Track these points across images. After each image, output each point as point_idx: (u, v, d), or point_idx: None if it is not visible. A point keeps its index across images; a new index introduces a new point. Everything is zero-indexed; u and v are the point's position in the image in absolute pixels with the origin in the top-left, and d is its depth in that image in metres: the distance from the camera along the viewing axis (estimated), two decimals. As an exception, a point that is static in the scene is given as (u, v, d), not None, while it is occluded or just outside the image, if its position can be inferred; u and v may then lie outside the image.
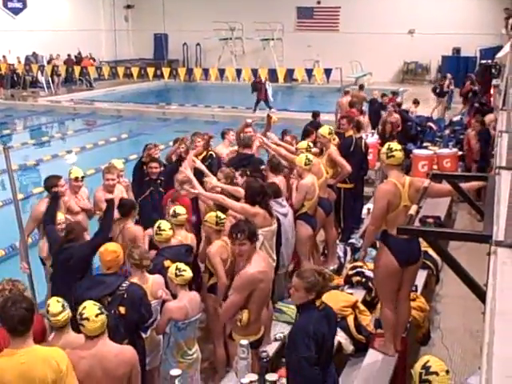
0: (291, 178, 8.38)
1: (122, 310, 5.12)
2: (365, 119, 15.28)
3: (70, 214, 7.43)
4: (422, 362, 3.94)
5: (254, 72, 25.40)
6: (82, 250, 6.06)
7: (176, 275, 5.44)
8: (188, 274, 5.48)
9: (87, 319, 4.26)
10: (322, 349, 4.49)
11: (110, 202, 6.69)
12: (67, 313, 4.54)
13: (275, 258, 6.57)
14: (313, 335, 4.41)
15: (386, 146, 6.15)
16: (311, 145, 8.65)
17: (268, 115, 10.52)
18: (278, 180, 7.72)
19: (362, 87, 20.46)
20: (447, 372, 3.90)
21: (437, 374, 3.84)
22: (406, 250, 5.91)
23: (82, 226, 6.69)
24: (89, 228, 7.82)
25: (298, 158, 7.95)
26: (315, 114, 13.87)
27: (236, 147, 9.74)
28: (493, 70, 20.24)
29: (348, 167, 9.05)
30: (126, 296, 5.18)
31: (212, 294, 6.36)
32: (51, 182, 7.29)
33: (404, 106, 18.73)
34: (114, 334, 4.86)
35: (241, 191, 6.97)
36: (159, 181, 8.16)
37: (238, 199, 6.84)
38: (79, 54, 34.19)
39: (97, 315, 4.28)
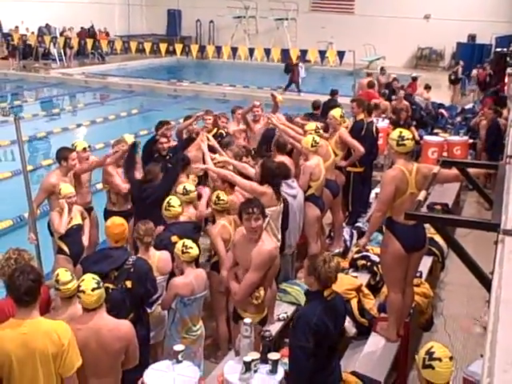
0: (300, 160, 8.37)
1: (129, 284, 5.14)
2: (385, 102, 15.15)
3: (78, 186, 7.46)
4: (426, 347, 3.98)
5: (267, 52, 25.28)
6: (162, 187, 6.96)
7: (182, 252, 5.47)
8: (194, 251, 5.51)
9: (83, 292, 4.31)
10: (323, 341, 4.50)
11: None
12: (76, 282, 4.57)
13: (280, 238, 6.58)
14: (313, 326, 4.43)
15: (397, 133, 6.02)
16: (319, 126, 8.62)
17: (272, 95, 10.43)
18: (285, 160, 7.70)
19: (383, 70, 20.35)
20: (451, 358, 3.94)
21: (440, 360, 3.88)
22: (411, 236, 5.91)
23: (158, 167, 7.33)
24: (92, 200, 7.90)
25: (305, 139, 7.93)
26: (333, 93, 13.84)
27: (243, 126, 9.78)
28: (508, 59, 20.09)
29: (361, 148, 9.02)
30: (132, 270, 5.20)
31: (215, 272, 6.39)
32: (63, 154, 7.30)
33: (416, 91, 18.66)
34: (120, 307, 4.92)
35: (248, 168, 6.98)
36: (168, 157, 8.16)
37: (245, 176, 6.84)
38: (92, 27, 34.02)
39: (93, 289, 4.32)
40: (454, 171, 6.09)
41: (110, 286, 5.06)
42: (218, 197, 6.40)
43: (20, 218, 9.92)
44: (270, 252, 5.36)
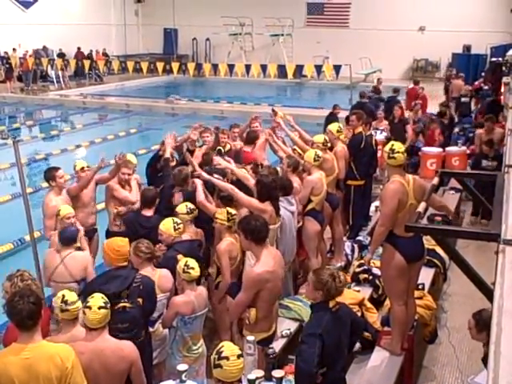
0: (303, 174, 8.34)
1: (140, 301, 5.15)
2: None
3: (81, 207, 7.47)
4: (217, 347, 4.02)
5: (264, 68, 25.40)
6: None
7: (183, 271, 5.43)
8: (195, 272, 5.46)
9: (89, 308, 4.29)
10: (329, 350, 4.47)
11: None
12: (80, 303, 4.55)
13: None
14: (319, 336, 4.42)
15: (389, 145, 6.05)
16: (327, 139, 8.58)
17: (273, 110, 10.39)
18: (296, 181, 7.69)
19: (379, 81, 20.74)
20: (238, 357, 3.95)
21: (227, 358, 3.90)
22: (411, 247, 5.90)
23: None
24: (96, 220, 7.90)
25: (308, 153, 7.92)
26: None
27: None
28: (503, 68, 20.13)
29: (343, 174, 9.03)
30: (142, 287, 5.21)
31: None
32: (49, 175, 7.38)
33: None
34: (139, 325, 4.99)
35: (250, 179, 6.96)
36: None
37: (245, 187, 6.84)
38: (79, 48, 34.03)
39: (100, 307, 4.30)
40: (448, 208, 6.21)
41: (127, 304, 5.03)
42: (229, 213, 6.33)
43: (20, 241, 9.90)
44: (257, 275, 5.27)
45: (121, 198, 7.71)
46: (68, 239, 6.24)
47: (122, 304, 4.97)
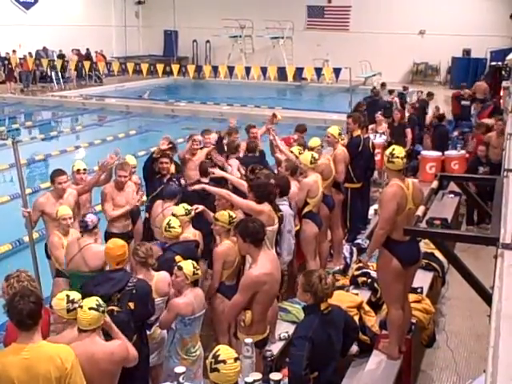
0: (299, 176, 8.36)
1: (131, 305, 5.13)
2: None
3: (75, 209, 7.46)
4: (213, 351, 4.04)
5: (264, 70, 25.40)
6: None
7: (193, 273, 5.43)
8: (201, 273, 5.50)
9: (81, 307, 4.31)
10: (319, 353, 4.46)
11: None
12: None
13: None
14: (308, 339, 4.42)
15: (390, 149, 6.03)
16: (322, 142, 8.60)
17: (273, 114, 10.44)
18: (294, 185, 7.69)
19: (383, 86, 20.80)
20: (235, 360, 3.97)
21: (224, 362, 3.92)
22: (407, 251, 5.89)
23: None
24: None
25: (303, 156, 7.92)
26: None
27: None
28: (503, 72, 20.18)
29: (342, 177, 9.02)
30: (135, 292, 5.19)
31: (219, 294, 6.36)
32: (51, 176, 7.34)
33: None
34: (126, 329, 4.91)
35: (245, 185, 6.95)
36: (171, 180, 8.12)
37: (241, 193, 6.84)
38: (87, 50, 34.09)
39: (90, 308, 4.29)
40: None
41: (115, 308, 5.03)
42: (231, 216, 6.31)
43: (19, 242, 9.89)
44: (255, 277, 5.25)
45: (104, 209, 7.75)
46: (171, 193, 7.35)
47: (109, 307, 4.96)
